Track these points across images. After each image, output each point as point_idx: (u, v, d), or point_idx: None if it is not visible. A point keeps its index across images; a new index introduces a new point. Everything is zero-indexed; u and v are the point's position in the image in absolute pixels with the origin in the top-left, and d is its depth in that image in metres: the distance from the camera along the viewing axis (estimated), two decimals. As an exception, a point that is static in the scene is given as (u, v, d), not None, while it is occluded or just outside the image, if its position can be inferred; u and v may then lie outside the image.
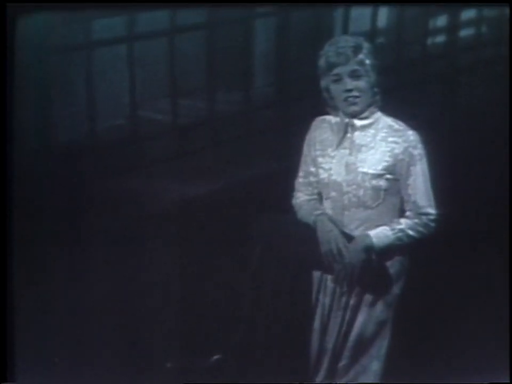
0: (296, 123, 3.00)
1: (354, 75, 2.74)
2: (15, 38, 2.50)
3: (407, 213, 2.82)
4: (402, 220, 2.81)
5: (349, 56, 2.73)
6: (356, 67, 2.73)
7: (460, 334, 2.86)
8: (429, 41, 3.10)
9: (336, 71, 2.75)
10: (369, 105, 2.79)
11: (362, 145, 2.82)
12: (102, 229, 2.83)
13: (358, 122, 2.83)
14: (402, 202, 2.83)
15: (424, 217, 2.79)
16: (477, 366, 2.70)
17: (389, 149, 2.80)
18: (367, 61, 2.76)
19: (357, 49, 2.75)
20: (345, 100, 2.74)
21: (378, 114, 2.84)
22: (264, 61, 3.14)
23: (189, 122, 3.13)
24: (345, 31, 3.04)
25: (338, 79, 2.75)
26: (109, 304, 2.79)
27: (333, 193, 2.84)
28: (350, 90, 2.73)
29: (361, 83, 2.75)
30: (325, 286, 2.88)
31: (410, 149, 2.80)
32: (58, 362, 2.63)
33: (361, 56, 2.75)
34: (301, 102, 3.07)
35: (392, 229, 2.78)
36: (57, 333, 2.69)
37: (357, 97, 2.74)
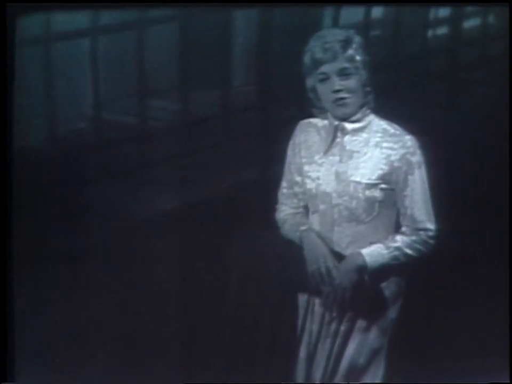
0: (279, 126, 2.90)
1: (343, 73, 2.59)
2: (15, 38, 2.54)
3: (404, 229, 2.67)
4: (399, 237, 2.66)
5: (337, 52, 2.58)
6: (345, 64, 2.59)
7: (460, 339, 2.78)
8: (428, 34, 2.96)
9: (322, 69, 2.60)
10: (360, 107, 2.64)
11: (353, 151, 2.66)
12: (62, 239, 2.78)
13: (348, 126, 2.67)
14: (398, 216, 2.69)
15: (422, 234, 2.65)
16: (477, 366, 2.66)
17: (384, 155, 2.64)
18: (358, 57, 2.61)
19: (346, 43, 2.60)
20: (334, 101, 2.60)
21: (371, 116, 2.68)
22: (244, 57, 2.99)
23: (159, 126, 2.99)
24: (334, 23, 2.89)
25: (325, 78, 2.61)
26: (108, 306, 2.77)
27: (322, 206, 2.69)
28: (338, 91, 2.59)
29: (351, 82, 2.60)
30: (312, 311, 2.74)
31: (407, 156, 2.64)
32: (58, 363, 2.67)
33: (351, 51, 2.60)
34: (284, 103, 2.94)
35: (387, 247, 2.64)
36: (57, 333, 2.71)
37: (346, 98, 2.60)
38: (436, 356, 2.75)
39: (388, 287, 2.71)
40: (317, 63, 2.61)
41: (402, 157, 2.65)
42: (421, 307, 2.75)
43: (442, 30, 2.98)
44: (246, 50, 2.97)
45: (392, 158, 2.65)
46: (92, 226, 2.82)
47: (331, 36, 2.63)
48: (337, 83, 2.59)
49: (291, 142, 2.77)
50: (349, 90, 2.60)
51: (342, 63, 2.59)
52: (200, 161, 2.96)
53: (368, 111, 2.68)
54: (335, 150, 2.68)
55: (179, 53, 2.92)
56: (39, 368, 2.63)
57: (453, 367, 2.70)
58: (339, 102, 2.60)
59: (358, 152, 2.66)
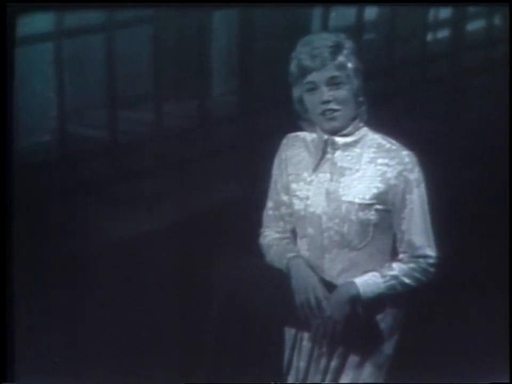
0: (264, 140, 2.82)
1: (332, 83, 2.52)
2: (15, 38, 2.59)
3: (401, 255, 2.59)
4: (396, 264, 2.58)
5: (325, 59, 2.51)
6: (335, 73, 2.52)
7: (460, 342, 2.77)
8: (427, 37, 2.92)
9: (310, 78, 2.53)
10: (352, 119, 2.56)
11: (345, 168, 2.58)
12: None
13: (339, 140, 2.58)
14: (395, 241, 2.61)
15: (422, 261, 2.57)
16: (477, 366, 2.65)
17: (378, 172, 2.56)
18: (349, 64, 2.54)
19: (336, 49, 2.53)
20: (322, 113, 2.53)
21: (365, 130, 2.60)
22: (225, 64, 2.95)
23: (131, 139, 2.92)
24: (324, 25, 2.85)
25: (313, 88, 2.54)
26: (109, 304, 2.79)
27: (311, 230, 2.60)
28: (327, 102, 2.52)
29: (342, 92, 2.53)
30: (300, 346, 2.65)
31: (405, 173, 2.56)
32: (58, 362, 2.71)
33: (341, 58, 2.53)
34: (269, 115, 2.91)
35: (383, 276, 2.55)
36: (58, 333, 2.74)
37: (336, 110, 2.53)
38: (436, 355, 2.74)
39: (384, 320, 2.64)
40: (304, 72, 2.54)
41: (399, 174, 2.57)
42: (420, 340, 2.73)
43: (442, 33, 2.96)
44: (227, 56, 2.95)
45: (388, 175, 2.57)
46: (60, 245, 2.82)
47: (319, 41, 2.55)
48: (326, 93, 2.52)
49: (277, 158, 2.69)
50: (339, 102, 2.53)
51: (331, 72, 2.52)
52: (176, 179, 2.90)
53: (361, 123, 2.60)
54: (325, 166, 2.60)
55: (152, 59, 2.87)
56: (39, 368, 2.66)
57: (453, 367, 2.68)
58: (328, 114, 2.54)
59: (350, 169, 2.59)
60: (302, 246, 2.67)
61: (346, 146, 2.60)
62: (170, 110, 2.91)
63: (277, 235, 2.72)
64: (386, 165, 2.58)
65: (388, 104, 2.89)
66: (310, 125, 2.64)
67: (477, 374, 2.60)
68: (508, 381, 2.63)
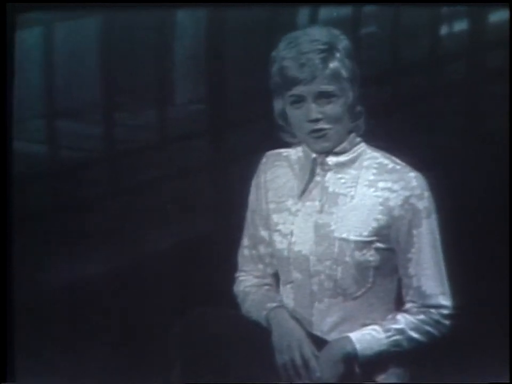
0: (238, 160, 2.76)
1: (323, 97, 2.37)
2: (15, 38, 2.64)
3: (409, 305, 2.44)
4: (401, 316, 2.43)
5: (315, 69, 2.35)
6: (326, 87, 2.36)
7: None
8: (439, 36, 2.78)
9: (296, 91, 2.37)
10: (347, 134, 2.42)
11: (338, 195, 2.42)
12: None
13: (331, 159, 2.42)
14: (400, 287, 2.49)
15: (434, 312, 2.43)
16: (477, 366, 2.60)
17: (379, 200, 2.40)
18: (344, 73, 2.37)
19: (328, 54, 2.36)
20: (310, 132, 2.39)
21: (362, 146, 2.44)
22: (190, 66, 2.81)
23: (75, 157, 2.79)
24: (313, 18, 2.69)
25: (299, 101, 2.38)
26: (109, 304, 2.77)
27: (296, 274, 2.45)
28: (316, 121, 2.37)
29: (334, 108, 2.38)
30: None
31: (412, 201, 2.39)
32: (58, 362, 2.72)
33: (334, 64, 2.36)
34: (244, 127, 2.79)
35: (386, 330, 2.41)
36: (58, 333, 2.75)
37: (326, 129, 2.39)
38: (436, 355, 2.57)
39: (386, 382, 2.48)
40: (289, 83, 2.38)
41: (405, 202, 2.39)
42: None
43: (455, 30, 2.82)
44: (193, 57, 2.83)
45: (391, 203, 2.39)
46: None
47: (308, 43, 2.38)
48: (315, 110, 2.38)
49: (254, 181, 2.56)
50: (330, 120, 2.38)
51: (322, 85, 2.37)
52: (131, 207, 2.79)
53: (358, 138, 2.43)
54: (314, 192, 2.44)
55: (102, 61, 2.77)
56: (39, 368, 2.69)
57: (453, 367, 2.61)
58: (316, 134, 2.40)
59: (344, 195, 2.42)
60: (286, 293, 2.53)
61: (340, 166, 2.44)
62: (123, 122, 2.80)
63: (255, 280, 2.61)
64: (389, 189, 2.39)
65: (391, 114, 2.78)
66: (295, 140, 2.50)
67: (477, 374, 2.56)
68: (508, 381, 2.58)
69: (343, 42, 2.39)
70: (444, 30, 2.81)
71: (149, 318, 2.78)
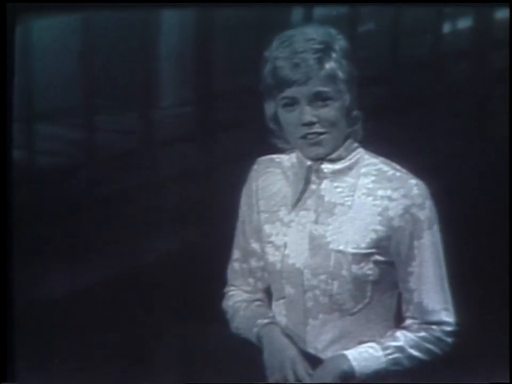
0: (227, 166, 2.68)
1: (318, 99, 2.30)
2: (15, 38, 2.64)
3: (409, 321, 2.38)
4: (401, 333, 2.37)
5: (310, 70, 2.28)
6: (322, 88, 2.29)
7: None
8: (444, 32, 2.69)
9: (289, 92, 2.30)
10: (344, 139, 2.34)
11: (335, 204, 2.35)
12: None
13: (327, 167, 2.36)
14: (400, 302, 2.42)
15: (436, 329, 2.37)
16: (477, 366, 2.60)
17: (378, 209, 2.33)
18: (340, 74, 2.30)
19: (324, 54, 2.29)
20: (303, 137, 2.32)
21: (360, 152, 2.37)
22: (176, 67, 2.72)
23: (50, 163, 2.71)
24: (308, 16, 2.59)
25: (292, 103, 2.32)
26: (109, 304, 2.74)
27: (290, 289, 2.38)
28: (310, 124, 2.30)
29: (330, 112, 2.31)
30: None
31: (413, 210, 2.32)
32: (58, 362, 2.72)
33: (330, 65, 2.29)
34: (234, 132, 2.70)
35: (385, 348, 2.35)
36: (58, 333, 2.73)
37: (321, 134, 2.31)
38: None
39: None
40: (282, 84, 2.31)
41: (406, 212, 2.32)
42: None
43: (462, 26, 2.74)
44: (180, 56, 2.73)
45: (391, 213, 2.31)
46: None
47: (303, 42, 2.31)
48: (309, 113, 2.30)
49: (245, 190, 2.49)
50: (325, 123, 2.31)
51: (317, 86, 2.30)
52: (111, 218, 2.70)
53: (355, 144, 2.36)
54: (309, 202, 2.37)
55: (82, 61, 2.68)
56: (39, 368, 2.71)
57: (453, 367, 2.53)
58: (311, 139, 2.32)
59: (341, 205, 2.35)
60: (278, 309, 2.46)
61: (336, 174, 2.36)
62: (104, 126, 2.70)
63: (245, 295, 2.54)
64: (388, 198, 2.32)
65: (391, 117, 2.67)
66: (288, 145, 2.42)
67: (477, 374, 2.56)
68: (508, 381, 2.57)
69: (340, 42, 2.32)
70: (444, 28, 2.71)
71: (132, 333, 2.72)
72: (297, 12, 2.65)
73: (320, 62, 2.29)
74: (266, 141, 2.42)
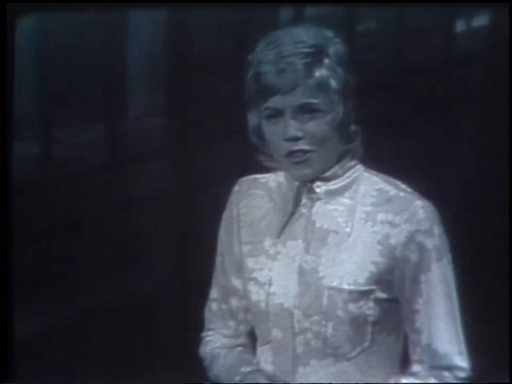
0: (204, 186, 2.57)
1: (305, 111, 2.07)
2: (15, 38, 2.71)
3: (416, 367, 2.15)
4: (407, 380, 2.15)
5: (297, 76, 2.05)
6: (309, 99, 2.06)
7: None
8: (449, 35, 2.54)
9: (272, 102, 2.07)
10: (338, 158, 2.12)
11: (329, 232, 2.10)
12: None
13: (319, 187, 2.11)
14: (406, 345, 2.19)
15: (447, 374, 2.15)
16: (477, 366, 2.39)
17: (378, 237, 2.08)
18: (333, 83, 2.07)
19: (315, 59, 2.06)
20: (287, 155, 2.10)
21: (359, 169, 2.15)
22: (146, 72, 2.55)
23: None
24: (298, 15, 2.52)
25: (275, 115, 2.08)
26: (109, 304, 2.78)
27: (277, 333, 2.16)
28: (294, 139, 2.07)
29: (319, 126, 2.07)
30: None
31: (419, 238, 2.07)
32: (58, 363, 2.83)
33: (321, 73, 2.06)
34: (211, 146, 2.59)
35: None
36: (58, 333, 2.85)
37: (307, 152, 2.09)
38: None
39: None
40: (265, 92, 2.07)
41: (410, 239, 2.06)
42: None
43: (457, 29, 2.60)
44: (150, 60, 2.63)
45: (393, 241, 2.06)
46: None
47: (291, 45, 2.08)
48: (294, 127, 2.07)
49: (224, 216, 2.25)
50: (312, 140, 2.07)
51: (304, 96, 2.06)
52: (78, 245, 2.64)
53: (353, 162, 2.13)
54: (298, 229, 2.13)
55: (37, 65, 2.57)
56: (39, 368, 2.79)
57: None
58: (296, 157, 2.09)
59: (335, 232, 2.10)
60: (264, 356, 2.22)
61: (330, 196, 2.12)
62: (62, 139, 2.49)
63: (226, 340, 2.31)
64: (390, 223, 2.07)
65: (393, 130, 2.50)
66: (275, 162, 2.17)
67: (477, 374, 2.36)
68: (508, 381, 2.51)
69: (335, 47, 2.08)
70: (445, 30, 2.57)
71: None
72: (288, 11, 2.51)
73: (309, 68, 2.06)
74: (248, 157, 2.18)
